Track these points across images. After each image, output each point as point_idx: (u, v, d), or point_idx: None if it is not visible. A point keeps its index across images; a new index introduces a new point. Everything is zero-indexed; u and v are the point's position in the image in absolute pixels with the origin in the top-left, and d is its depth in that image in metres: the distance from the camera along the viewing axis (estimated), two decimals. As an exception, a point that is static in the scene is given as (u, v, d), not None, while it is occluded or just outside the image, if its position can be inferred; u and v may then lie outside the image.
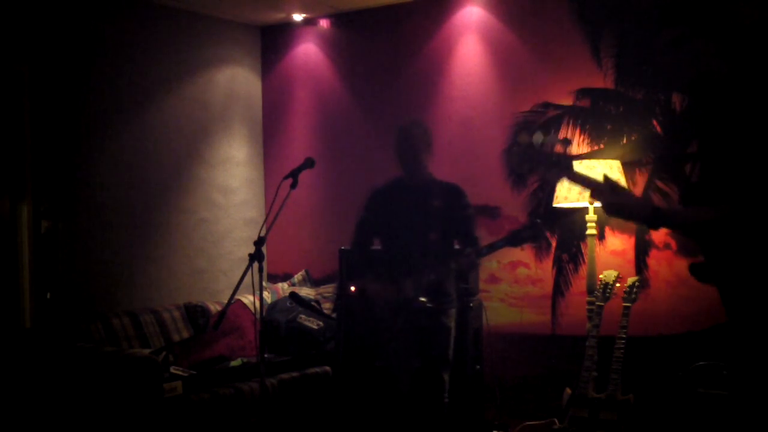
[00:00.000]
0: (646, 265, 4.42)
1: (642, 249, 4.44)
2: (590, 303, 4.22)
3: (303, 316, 5.00)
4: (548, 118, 4.73)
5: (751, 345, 2.10)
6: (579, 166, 4.21)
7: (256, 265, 3.28)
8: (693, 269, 2.21)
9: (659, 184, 4.38)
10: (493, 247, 3.67)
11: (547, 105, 4.73)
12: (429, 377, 3.86)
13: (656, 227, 2.14)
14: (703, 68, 2.61)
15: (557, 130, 4.65)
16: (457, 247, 3.89)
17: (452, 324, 3.91)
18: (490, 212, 4.91)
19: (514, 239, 3.63)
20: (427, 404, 3.86)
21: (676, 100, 4.31)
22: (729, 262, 2.09)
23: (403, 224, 3.87)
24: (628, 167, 4.36)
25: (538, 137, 2.18)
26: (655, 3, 4.37)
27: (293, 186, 3.48)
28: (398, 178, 3.99)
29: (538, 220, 3.75)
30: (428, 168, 3.95)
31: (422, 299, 3.71)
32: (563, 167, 2.16)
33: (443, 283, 3.83)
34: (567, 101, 4.67)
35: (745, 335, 2.12)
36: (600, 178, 2.20)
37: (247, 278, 3.26)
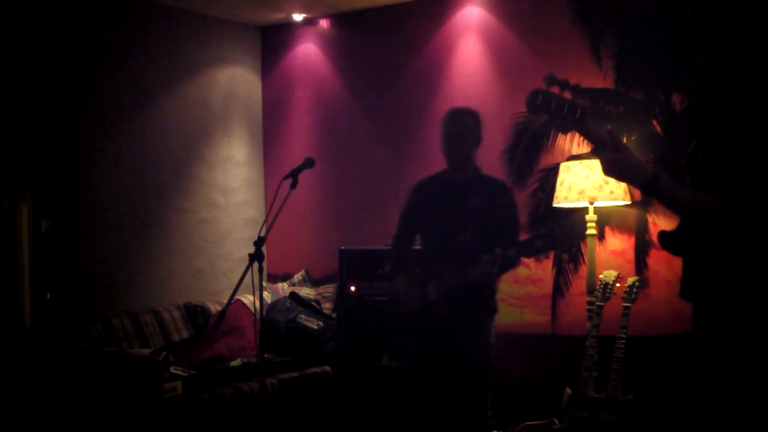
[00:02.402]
0: (646, 265, 4.42)
1: (642, 249, 4.44)
2: (590, 303, 4.22)
3: (303, 316, 5.00)
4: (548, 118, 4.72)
5: (715, 351, 2.07)
6: (579, 166, 4.22)
7: (256, 265, 3.28)
8: (662, 237, 2.16)
9: (659, 184, 4.37)
10: (508, 258, 3.32)
11: (547, 105, 4.72)
12: (467, 399, 3.58)
13: (651, 194, 2.08)
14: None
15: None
16: (497, 250, 3.31)
17: (492, 339, 3.58)
18: (490, 212, 4.90)
19: (529, 249, 3.32)
20: (464, 420, 3.59)
21: (676, 100, 4.31)
22: (710, 242, 2.05)
23: (441, 222, 3.60)
24: (628, 167, 4.35)
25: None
26: (656, 3, 4.37)
27: (293, 186, 3.47)
28: (442, 171, 3.72)
29: (554, 229, 3.41)
30: (475, 162, 3.65)
31: (443, 307, 3.44)
32: (579, 117, 2.05)
33: (480, 288, 3.47)
34: (567, 101, 4.66)
35: (709, 340, 2.09)
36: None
37: (247, 278, 3.26)
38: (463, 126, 3.61)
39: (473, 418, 3.59)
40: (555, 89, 2.06)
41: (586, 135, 2.12)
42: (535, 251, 3.38)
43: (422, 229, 3.75)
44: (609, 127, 2.13)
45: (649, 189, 2.05)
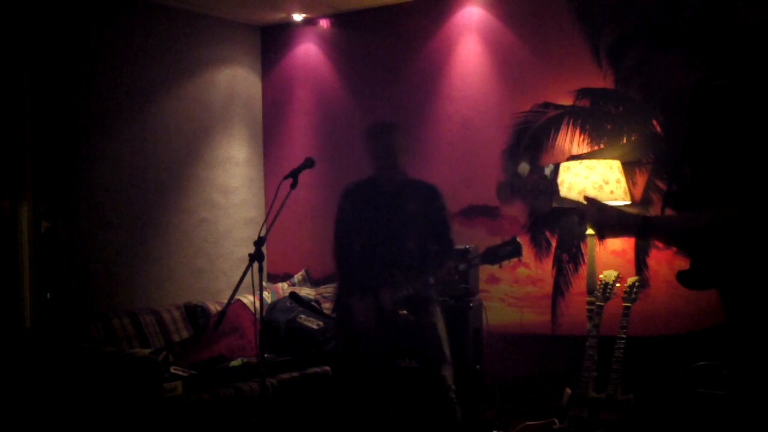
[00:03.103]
0: (646, 265, 4.42)
1: (642, 249, 4.44)
2: (590, 303, 4.22)
3: (303, 316, 4.99)
4: (548, 118, 4.73)
5: (751, 345, 2.10)
6: (579, 166, 4.22)
7: (256, 265, 3.27)
8: (680, 277, 2.20)
9: (659, 184, 4.38)
10: (470, 264, 3.63)
11: (547, 105, 4.74)
12: (428, 377, 3.75)
13: (646, 236, 2.14)
14: (676, 82, 2.62)
15: (555, 136, 4.65)
16: (434, 253, 3.68)
17: (438, 321, 3.76)
18: (490, 212, 4.91)
19: (492, 257, 3.50)
20: (432, 403, 3.74)
21: (676, 100, 4.31)
22: (725, 265, 2.08)
23: (379, 228, 3.72)
24: (628, 167, 4.36)
25: (524, 168, 2.22)
26: (655, 3, 4.37)
27: (293, 186, 3.48)
28: (371, 177, 3.84)
29: (517, 238, 3.58)
30: (402, 167, 3.79)
31: (402, 312, 3.60)
32: (550, 194, 2.18)
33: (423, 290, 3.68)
34: (567, 101, 4.67)
35: (745, 335, 2.12)
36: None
37: (247, 278, 3.25)
38: (387, 141, 3.75)
39: (438, 406, 3.68)
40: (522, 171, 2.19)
41: (565, 207, 2.22)
42: (498, 258, 3.50)
43: (361, 238, 3.81)
44: (585, 196, 2.25)
45: (642, 233, 2.11)
